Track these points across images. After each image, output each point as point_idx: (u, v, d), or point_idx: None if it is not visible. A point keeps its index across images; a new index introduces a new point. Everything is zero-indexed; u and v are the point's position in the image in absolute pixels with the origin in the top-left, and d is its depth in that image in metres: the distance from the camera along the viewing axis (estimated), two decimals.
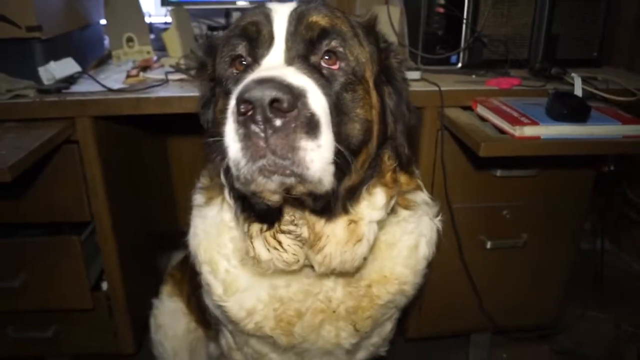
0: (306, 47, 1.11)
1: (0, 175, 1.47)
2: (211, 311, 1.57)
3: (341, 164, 1.02)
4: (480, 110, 1.89)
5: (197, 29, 2.89)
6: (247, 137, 0.91)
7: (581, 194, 2.22)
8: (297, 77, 0.99)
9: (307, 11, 1.13)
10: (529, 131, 1.67)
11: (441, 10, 2.21)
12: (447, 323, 2.42)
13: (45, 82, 1.98)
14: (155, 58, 2.41)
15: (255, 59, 1.12)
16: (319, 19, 1.12)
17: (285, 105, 0.88)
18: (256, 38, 1.13)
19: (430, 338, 2.49)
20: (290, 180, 0.95)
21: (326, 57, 1.12)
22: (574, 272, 2.40)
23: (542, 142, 1.68)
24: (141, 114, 1.91)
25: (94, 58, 2.45)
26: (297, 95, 0.91)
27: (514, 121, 1.69)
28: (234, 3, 2.68)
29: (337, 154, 1.00)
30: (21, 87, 1.92)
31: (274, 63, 1.08)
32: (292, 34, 1.11)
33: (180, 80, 2.10)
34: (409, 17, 2.26)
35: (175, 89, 1.99)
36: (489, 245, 2.18)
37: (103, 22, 2.63)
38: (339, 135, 1.04)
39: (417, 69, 2.11)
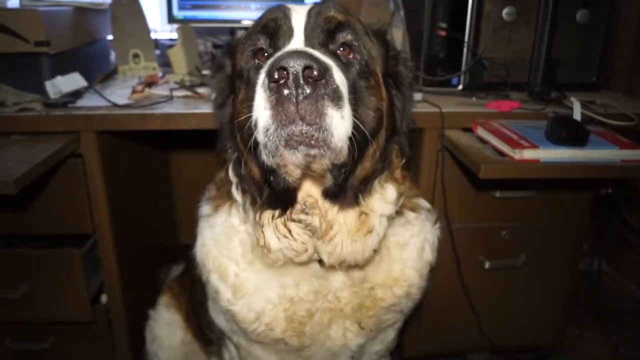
0: (325, 37, 1.20)
1: (5, 188, 1.48)
2: (216, 324, 1.59)
3: (357, 139, 1.09)
4: (481, 132, 1.91)
5: (202, 46, 2.92)
6: (278, 103, 0.99)
7: (579, 216, 2.24)
8: (323, 56, 1.08)
9: (326, 8, 1.24)
10: (528, 154, 1.69)
11: (443, 33, 2.25)
12: (445, 342, 2.42)
13: (52, 96, 2.00)
14: (160, 74, 2.44)
15: (277, 48, 1.20)
16: (336, 14, 1.23)
17: (315, 73, 0.97)
18: (277, 31, 1.22)
19: (427, 357, 2.48)
20: (315, 152, 1.02)
21: (342, 48, 1.22)
22: (572, 293, 2.41)
23: (542, 165, 1.70)
24: (146, 129, 1.93)
25: (100, 73, 2.47)
26: (325, 67, 1.00)
27: (514, 144, 1.72)
28: (239, 22, 2.71)
29: (354, 127, 1.07)
30: (28, 100, 1.94)
31: (297, 47, 1.15)
32: (312, 27, 1.20)
33: (185, 97, 2.13)
34: (411, 39, 2.29)
35: (180, 105, 2.01)
36: (487, 265, 2.20)
37: (110, 37, 2.67)
38: (354, 117, 1.11)
39: (418, 91, 2.14)
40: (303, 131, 0.99)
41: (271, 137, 1.01)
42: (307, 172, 1.12)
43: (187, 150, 3.14)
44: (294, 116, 0.98)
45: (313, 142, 1.00)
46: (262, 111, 1.01)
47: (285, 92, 0.97)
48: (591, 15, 2.29)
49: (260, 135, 1.03)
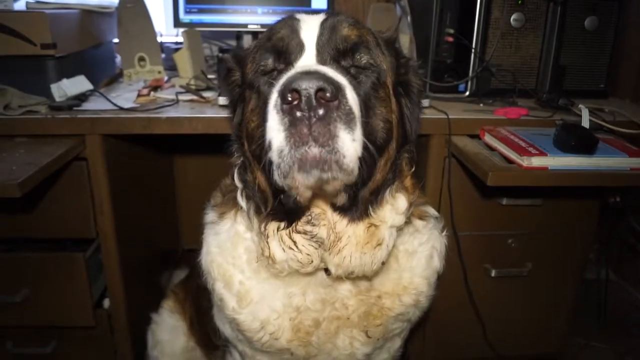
0: (337, 53, 1.19)
1: (10, 191, 1.47)
2: (221, 332, 1.57)
3: (367, 159, 1.09)
4: (488, 139, 1.90)
5: (207, 50, 2.93)
6: (292, 125, 0.98)
7: (586, 224, 2.22)
8: (335, 74, 1.06)
9: (339, 22, 1.22)
10: (536, 162, 1.67)
11: (450, 39, 2.24)
12: (450, 351, 2.39)
13: (57, 99, 2.00)
14: (166, 78, 2.43)
15: (288, 63, 1.19)
16: (351, 31, 1.21)
17: (328, 95, 0.96)
18: (287, 44, 1.20)
19: None
20: (327, 175, 1.01)
21: (355, 65, 1.21)
22: (578, 302, 2.39)
23: (550, 173, 1.68)
24: (151, 133, 1.92)
25: (105, 76, 2.48)
26: (338, 88, 0.99)
27: (522, 151, 1.70)
28: (245, 26, 2.70)
29: (364, 148, 1.06)
30: (33, 103, 1.94)
31: (309, 63, 1.14)
32: (325, 41, 1.19)
33: (191, 100, 2.12)
34: (418, 45, 2.28)
35: (186, 109, 2.00)
36: (493, 273, 2.18)
37: (115, 41, 2.67)
38: (364, 132, 1.10)
39: (425, 97, 2.12)
40: (316, 155, 0.98)
41: (285, 159, 0.99)
42: (319, 193, 1.12)
43: (190, 154, 3.13)
44: (306, 138, 0.97)
45: (326, 167, 1.00)
46: (275, 133, 1.00)
47: (298, 114, 0.96)
48: (600, 22, 2.28)
49: (274, 156, 1.02)
